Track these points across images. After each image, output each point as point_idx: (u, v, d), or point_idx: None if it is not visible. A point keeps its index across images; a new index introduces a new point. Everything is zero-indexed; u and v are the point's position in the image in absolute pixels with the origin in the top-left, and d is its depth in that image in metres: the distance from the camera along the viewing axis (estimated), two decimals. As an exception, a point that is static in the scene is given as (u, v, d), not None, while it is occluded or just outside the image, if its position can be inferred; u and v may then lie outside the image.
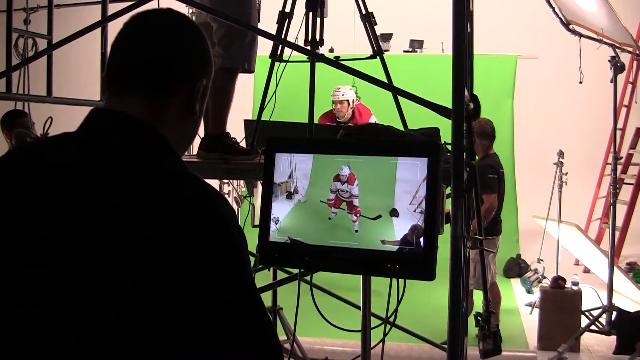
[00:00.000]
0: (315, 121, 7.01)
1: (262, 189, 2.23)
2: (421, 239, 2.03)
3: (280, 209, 2.21)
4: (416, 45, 9.35)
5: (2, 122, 5.23)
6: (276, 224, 2.20)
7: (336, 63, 3.12)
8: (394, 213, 2.08)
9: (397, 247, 2.06)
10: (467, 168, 3.11)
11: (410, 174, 2.07)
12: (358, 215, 2.13)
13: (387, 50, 8.95)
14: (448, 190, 2.40)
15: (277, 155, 2.22)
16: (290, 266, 2.58)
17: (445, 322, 2.27)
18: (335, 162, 2.17)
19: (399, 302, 2.33)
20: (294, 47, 3.28)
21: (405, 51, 9.39)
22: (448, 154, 2.65)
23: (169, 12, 1.50)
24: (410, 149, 2.12)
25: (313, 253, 2.17)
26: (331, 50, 8.54)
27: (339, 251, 2.13)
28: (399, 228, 2.07)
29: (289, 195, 2.20)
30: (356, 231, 2.13)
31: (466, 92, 2.85)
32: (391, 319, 2.41)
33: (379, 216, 2.10)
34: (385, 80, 4.33)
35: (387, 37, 9.11)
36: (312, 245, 2.17)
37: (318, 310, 2.50)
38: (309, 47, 3.90)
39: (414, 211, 2.05)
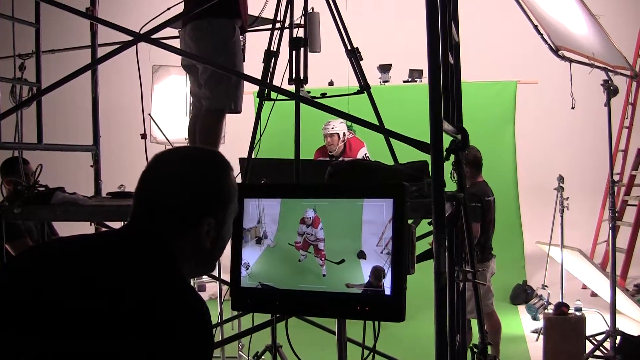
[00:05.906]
0: (312, 155, 7.08)
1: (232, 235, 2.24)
2: (384, 280, 2.03)
3: (251, 255, 2.22)
4: (415, 75, 9.35)
5: (0, 169, 5.29)
6: (247, 269, 2.21)
7: (315, 103, 3.14)
8: (361, 255, 2.08)
9: (362, 290, 2.06)
10: (453, 202, 3.13)
11: (376, 216, 2.08)
12: (323, 259, 2.13)
13: (387, 81, 9.09)
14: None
15: (246, 201, 2.24)
16: (262, 311, 2.58)
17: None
18: (302, 205, 2.18)
19: (375, 339, 2.33)
20: (277, 89, 3.29)
21: (405, 81, 9.41)
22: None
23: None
24: (375, 190, 2.12)
25: (284, 298, 2.18)
26: (331, 84, 8.58)
27: (309, 295, 2.14)
28: (367, 270, 2.07)
29: (259, 241, 2.22)
30: (324, 275, 2.13)
31: (447, 125, 2.87)
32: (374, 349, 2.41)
33: (343, 260, 2.10)
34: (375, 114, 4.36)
35: (387, 67, 9.15)
36: (282, 290, 2.17)
37: (292, 350, 2.51)
38: (292, 86, 3.93)
39: (381, 253, 2.06)
